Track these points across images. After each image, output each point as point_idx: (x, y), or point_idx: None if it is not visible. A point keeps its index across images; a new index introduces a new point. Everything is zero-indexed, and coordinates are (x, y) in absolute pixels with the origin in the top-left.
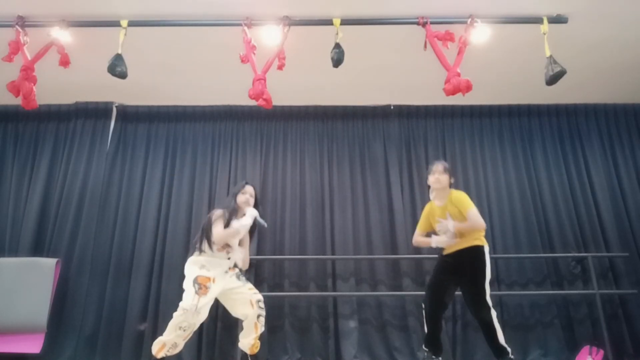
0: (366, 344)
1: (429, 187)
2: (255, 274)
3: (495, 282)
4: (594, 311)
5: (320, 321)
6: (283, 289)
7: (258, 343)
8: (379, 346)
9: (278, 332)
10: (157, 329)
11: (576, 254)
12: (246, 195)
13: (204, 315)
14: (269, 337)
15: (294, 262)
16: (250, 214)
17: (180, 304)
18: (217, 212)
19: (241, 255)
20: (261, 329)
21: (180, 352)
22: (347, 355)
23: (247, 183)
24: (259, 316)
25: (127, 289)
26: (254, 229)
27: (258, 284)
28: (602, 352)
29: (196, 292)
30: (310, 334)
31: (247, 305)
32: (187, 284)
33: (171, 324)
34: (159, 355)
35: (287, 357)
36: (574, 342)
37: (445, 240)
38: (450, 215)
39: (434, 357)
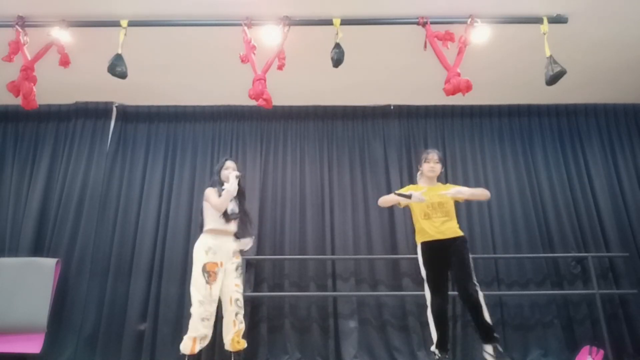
0: (366, 344)
1: (418, 169)
2: (255, 274)
3: (495, 282)
4: (594, 311)
5: (320, 321)
6: (283, 289)
7: (242, 341)
8: (379, 346)
9: (278, 332)
10: (157, 329)
11: (576, 254)
12: (229, 169)
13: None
14: (269, 337)
15: (294, 262)
16: (233, 177)
17: (193, 297)
18: (208, 190)
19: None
20: (239, 325)
21: (179, 352)
22: (347, 355)
23: (227, 159)
24: (236, 314)
25: (127, 289)
26: (243, 191)
27: (258, 284)
28: (602, 352)
29: (207, 282)
30: (310, 334)
31: (227, 302)
32: (196, 272)
33: (193, 320)
34: (196, 351)
35: (287, 357)
36: (574, 342)
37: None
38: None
39: (447, 356)
